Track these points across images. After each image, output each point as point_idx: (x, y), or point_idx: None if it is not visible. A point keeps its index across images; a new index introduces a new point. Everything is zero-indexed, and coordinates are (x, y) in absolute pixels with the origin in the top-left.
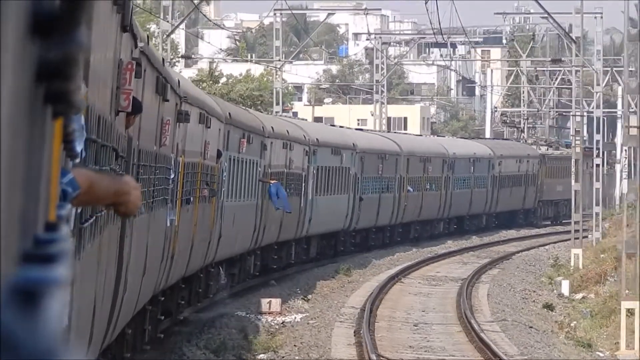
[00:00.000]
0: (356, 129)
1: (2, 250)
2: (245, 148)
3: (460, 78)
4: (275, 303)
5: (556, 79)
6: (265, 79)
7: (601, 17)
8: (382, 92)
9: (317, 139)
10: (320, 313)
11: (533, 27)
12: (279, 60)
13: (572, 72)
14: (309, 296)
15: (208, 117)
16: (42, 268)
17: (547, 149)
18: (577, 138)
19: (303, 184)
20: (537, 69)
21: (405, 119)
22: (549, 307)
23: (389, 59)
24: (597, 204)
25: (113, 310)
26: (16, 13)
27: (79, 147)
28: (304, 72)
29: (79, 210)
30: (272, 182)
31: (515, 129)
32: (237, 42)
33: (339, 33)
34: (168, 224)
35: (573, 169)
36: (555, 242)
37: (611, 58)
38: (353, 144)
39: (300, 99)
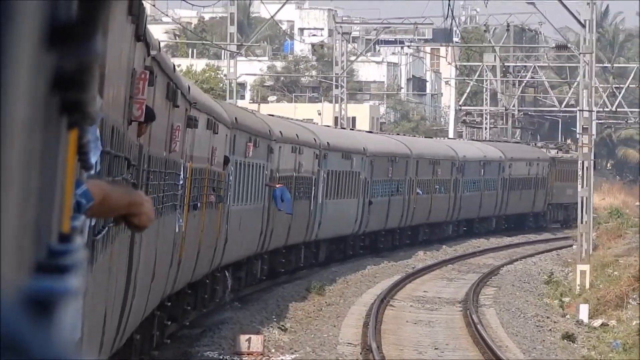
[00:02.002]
0: (367, 132)
1: (18, 260)
2: (251, 152)
3: (411, 77)
4: (256, 341)
5: (524, 73)
6: (207, 74)
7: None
8: (342, 87)
9: (328, 143)
10: (311, 354)
11: (485, 21)
12: (235, 45)
13: (580, 59)
14: (286, 324)
15: (216, 123)
16: (56, 278)
17: (557, 152)
18: (584, 137)
19: (313, 188)
20: (505, 64)
21: (354, 118)
22: (569, 337)
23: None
24: (587, 212)
25: (122, 316)
26: (32, 22)
27: (93, 158)
28: (247, 69)
29: (92, 223)
30: (278, 186)
31: (475, 129)
32: (177, 37)
33: (282, 30)
34: (177, 230)
35: (580, 172)
36: (533, 255)
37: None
38: (363, 148)
39: (243, 97)
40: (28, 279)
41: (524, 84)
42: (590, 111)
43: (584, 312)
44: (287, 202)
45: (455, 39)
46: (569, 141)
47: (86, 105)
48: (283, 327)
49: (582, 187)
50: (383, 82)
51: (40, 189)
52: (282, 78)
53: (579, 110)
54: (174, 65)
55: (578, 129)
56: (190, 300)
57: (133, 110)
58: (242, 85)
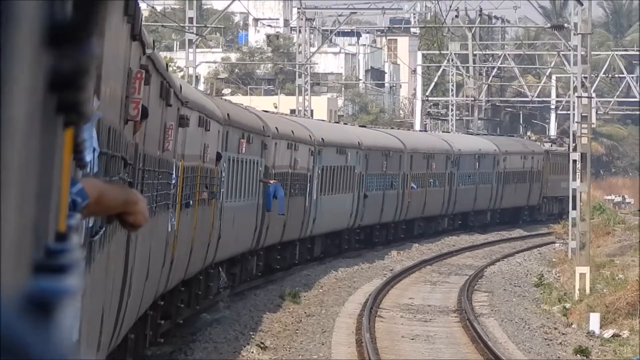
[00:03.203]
0: (360, 126)
1: (17, 260)
2: (245, 148)
3: (369, 68)
4: None
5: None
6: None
7: None
8: (306, 76)
9: (322, 139)
10: None
11: (456, 6)
12: (194, 34)
13: (578, 39)
14: (265, 340)
15: (207, 120)
16: (54, 278)
17: (551, 145)
18: (583, 126)
19: (308, 184)
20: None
21: (312, 111)
22: (583, 352)
23: (296, 47)
24: (574, 207)
25: (118, 316)
26: (29, 23)
27: (88, 157)
28: (200, 61)
29: (90, 224)
30: (272, 182)
31: (440, 121)
32: None
33: (234, 21)
34: (169, 229)
35: (578, 165)
36: (513, 254)
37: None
38: (358, 143)
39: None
40: (27, 279)
41: (492, 75)
42: (590, 97)
43: (594, 322)
44: (280, 200)
45: (413, 30)
46: (528, 133)
47: (82, 105)
48: (262, 345)
49: (580, 181)
50: (341, 73)
51: (38, 188)
52: (236, 70)
53: (578, 97)
54: (167, 64)
55: (576, 117)
56: (184, 297)
57: (129, 110)
58: (195, 78)
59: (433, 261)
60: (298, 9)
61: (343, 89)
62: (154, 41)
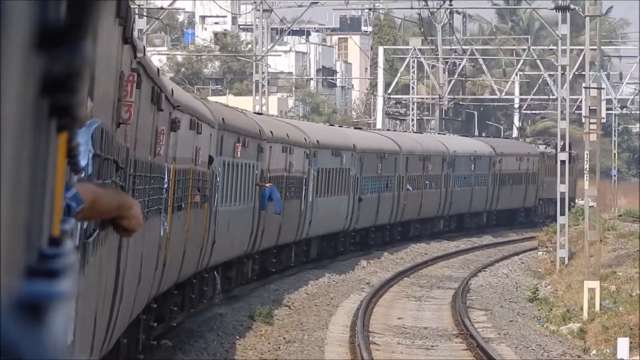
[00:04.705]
0: (356, 128)
1: (9, 264)
2: (240, 152)
3: (321, 67)
4: None
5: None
6: None
7: None
8: (264, 73)
9: (317, 141)
10: None
11: (388, 11)
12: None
13: (586, 23)
14: None
15: (199, 123)
16: (47, 282)
17: (545, 148)
18: (592, 121)
19: (303, 187)
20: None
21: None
22: None
23: (244, 46)
24: (562, 213)
25: (110, 321)
26: (22, 25)
27: (83, 161)
28: None
29: (84, 226)
30: (267, 185)
31: (399, 122)
32: None
33: (178, 20)
34: (162, 233)
35: (586, 166)
36: (493, 264)
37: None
38: (353, 145)
39: None
40: (19, 283)
41: (457, 73)
42: (599, 89)
43: (623, 348)
44: (276, 201)
45: (364, 28)
46: (483, 135)
47: (76, 108)
48: None
49: (587, 185)
50: (292, 72)
51: (31, 192)
52: (182, 69)
53: (586, 88)
54: (158, 69)
55: (584, 112)
56: (178, 300)
57: (121, 113)
58: None
59: (409, 272)
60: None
61: (294, 89)
62: (144, 46)
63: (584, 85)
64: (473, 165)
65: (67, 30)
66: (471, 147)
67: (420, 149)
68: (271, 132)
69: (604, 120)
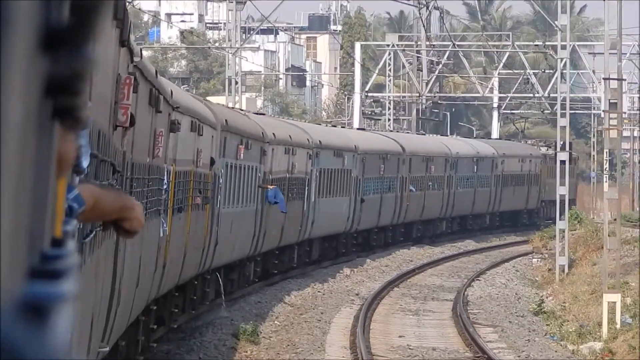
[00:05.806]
0: (358, 129)
1: (11, 265)
2: (243, 154)
3: (290, 66)
4: None
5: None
6: None
7: None
8: (237, 68)
9: (319, 142)
10: None
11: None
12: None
13: (604, 8)
14: None
15: (200, 125)
16: (49, 283)
17: (547, 149)
18: (612, 116)
19: (306, 188)
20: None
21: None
22: None
23: (211, 44)
24: (562, 217)
25: (107, 323)
26: (26, 27)
27: (85, 163)
28: None
29: (80, 226)
30: (271, 187)
31: (375, 121)
32: None
33: (143, 19)
34: (161, 235)
35: (606, 165)
36: (485, 272)
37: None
38: (355, 146)
39: None
40: (22, 284)
41: (438, 70)
42: (621, 80)
43: None
44: (280, 202)
45: (333, 27)
46: (455, 135)
47: (78, 110)
48: None
49: (607, 187)
50: (260, 71)
51: (34, 193)
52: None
53: (605, 79)
54: (156, 71)
55: (603, 106)
56: (179, 302)
57: (118, 116)
58: None
59: (397, 282)
60: None
61: (263, 88)
62: (141, 49)
63: (603, 76)
64: (475, 167)
65: (70, 32)
66: (474, 148)
67: (424, 150)
68: (274, 134)
69: (625, 113)
